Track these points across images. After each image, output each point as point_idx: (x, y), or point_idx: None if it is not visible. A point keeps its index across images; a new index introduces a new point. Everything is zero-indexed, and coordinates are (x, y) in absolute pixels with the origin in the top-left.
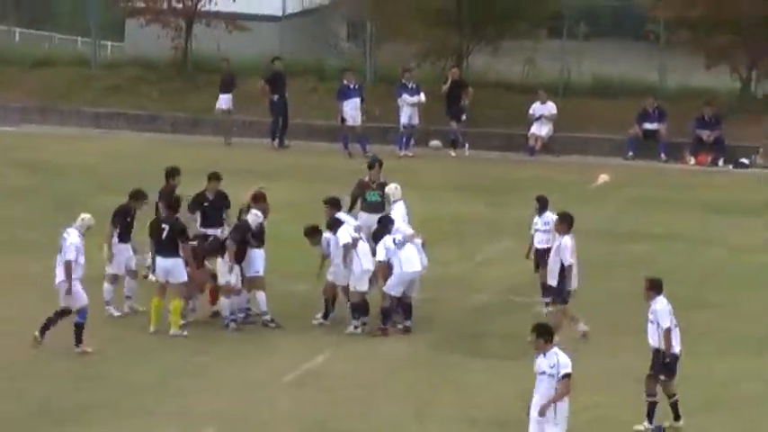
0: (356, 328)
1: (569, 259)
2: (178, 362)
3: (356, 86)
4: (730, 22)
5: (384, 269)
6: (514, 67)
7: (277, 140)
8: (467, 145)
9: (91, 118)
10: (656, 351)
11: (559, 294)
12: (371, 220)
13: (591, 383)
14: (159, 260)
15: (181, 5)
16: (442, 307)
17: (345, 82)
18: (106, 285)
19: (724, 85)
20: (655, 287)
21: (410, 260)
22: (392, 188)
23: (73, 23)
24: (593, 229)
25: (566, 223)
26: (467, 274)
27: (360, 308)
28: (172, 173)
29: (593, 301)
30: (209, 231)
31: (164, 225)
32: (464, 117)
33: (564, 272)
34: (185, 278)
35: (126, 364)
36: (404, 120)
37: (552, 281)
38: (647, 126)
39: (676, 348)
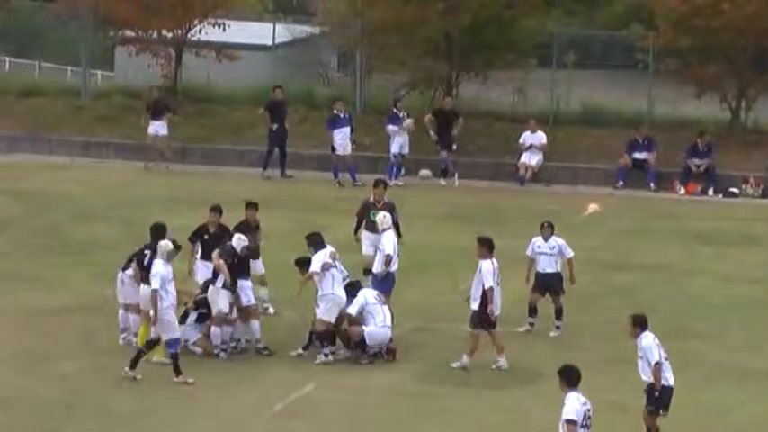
0: (326, 356)
1: (489, 282)
2: (165, 391)
3: (346, 116)
4: (720, 52)
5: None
6: (504, 97)
7: (269, 170)
8: (456, 174)
9: (80, 147)
10: (651, 386)
11: (478, 318)
12: (377, 239)
13: None
14: (142, 287)
15: (170, 35)
16: (431, 336)
17: (335, 111)
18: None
19: (713, 115)
20: (639, 323)
21: (389, 316)
22: (380, 217)
23: (63, 53)
24: (581, 259)
25: (485, 247)
26: (455, 304)
27: (326, 337)
28: (250, 205)
29: (579, 330)
30: (208, 264)
31: (146, 251)
32: (454, 146)
33: (485, 296)
34: None
35: (112, 394)
36: (394, 149)
37: (474, 305)
38: (637, 155)
39: (670, 380)
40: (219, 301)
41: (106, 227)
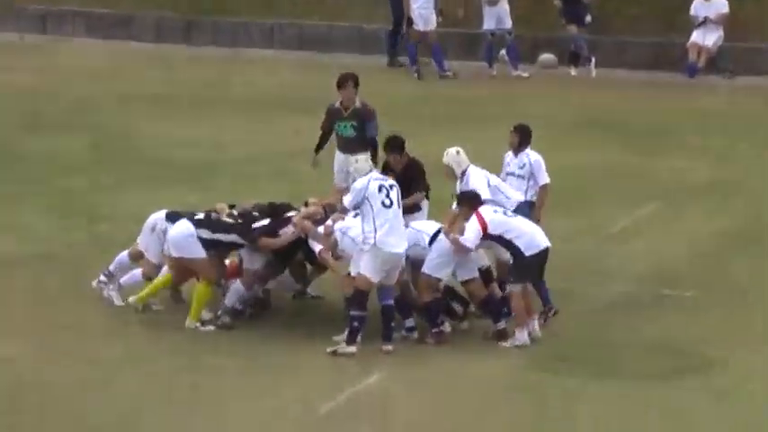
0: (409, 331)
1: (546, 178)
2: (166, 383)
3: None
4: None
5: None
6: None
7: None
8: (593, 61)
9: (34, 20)
10: None
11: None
12: (348, 161)
13: None
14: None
15: None
16: (560, 304)
17: None
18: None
19: None
20: None
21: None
22: (452, 155)
23: None
24: None
25: (520, 136)
26: (596, 255)
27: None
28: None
29: None
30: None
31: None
32: (588, 19)
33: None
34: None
35: (80, 388)
36: (487, 24)
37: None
38: None
39: None
40: (260, 257)
41: (71, 139)
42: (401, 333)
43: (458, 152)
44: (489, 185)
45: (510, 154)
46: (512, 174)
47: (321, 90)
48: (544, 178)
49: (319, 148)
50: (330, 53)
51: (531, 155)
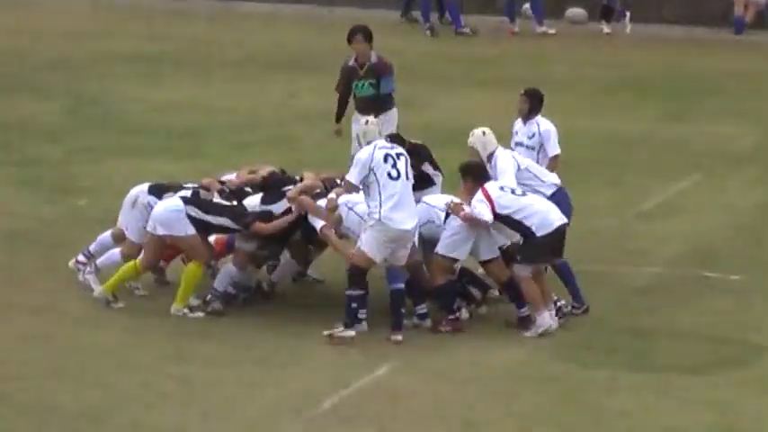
0: (422, 318)
1: (556, 149)
2: (150, 373)
3: None
4: None
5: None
6: None
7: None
8: (628, 15)
9: None
10: None
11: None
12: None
13: None
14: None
15: None
16: (587, 287)
17: None
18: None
19: None
20: None
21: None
22: (478, 136)
23: None
24: None
25: (530, 102)
26: (629, 233)
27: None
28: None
29: None
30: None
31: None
32: None
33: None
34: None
35: (58, 377)
36: None
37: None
38: None
39: None
40: (250, 241)
41: (46, 102)
42: (412, 321)
43: (484, 133)
44: (519, 169)
45: (519, 122)
46: (520, 144)
47: (321, 48)
48: (554, 149)
49: (340, 113)
50: (331, 6)
51: (541, 123)
